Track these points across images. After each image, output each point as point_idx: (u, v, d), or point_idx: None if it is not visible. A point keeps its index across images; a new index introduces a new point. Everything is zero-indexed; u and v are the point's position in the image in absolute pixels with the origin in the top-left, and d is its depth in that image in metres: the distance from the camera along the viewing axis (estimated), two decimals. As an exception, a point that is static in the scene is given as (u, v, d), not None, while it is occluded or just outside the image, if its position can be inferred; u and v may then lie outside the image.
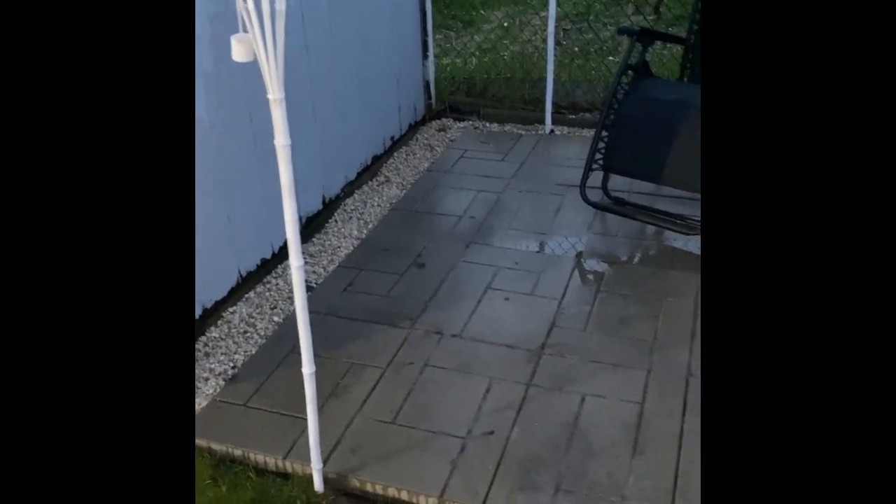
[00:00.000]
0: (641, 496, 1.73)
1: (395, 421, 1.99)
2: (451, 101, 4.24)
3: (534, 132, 3.97)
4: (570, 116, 4.01)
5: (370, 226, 3.07)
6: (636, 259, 2.76)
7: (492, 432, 1.94)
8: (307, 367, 1.68)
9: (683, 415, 1.97)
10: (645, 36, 2.97)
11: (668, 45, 4.19)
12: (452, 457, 1.87)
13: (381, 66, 3.54)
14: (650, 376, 2.12)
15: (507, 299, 2.53)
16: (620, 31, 3.08)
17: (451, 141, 3.91)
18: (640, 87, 2.90)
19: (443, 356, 2.25)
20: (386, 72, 3.62)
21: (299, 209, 2.88)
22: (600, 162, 2.92)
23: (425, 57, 4.03)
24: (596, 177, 3.02)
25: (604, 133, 2.89)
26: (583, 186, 2.96)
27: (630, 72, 2.91)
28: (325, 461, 1.85)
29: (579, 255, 2.79)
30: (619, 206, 3.01)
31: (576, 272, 2.68)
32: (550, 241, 2.90)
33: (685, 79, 3.16)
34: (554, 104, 3.96)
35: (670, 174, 2.73)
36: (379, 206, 3.26)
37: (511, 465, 1.84)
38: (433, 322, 2.40)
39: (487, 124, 4.11)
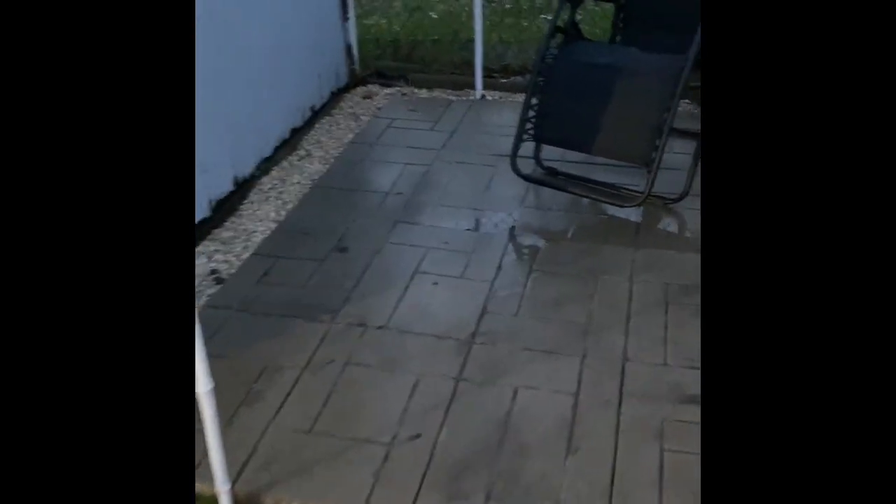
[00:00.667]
0: (577, 500, 1.63)
1: (313, 430, 1.83)
2: (376, 65, 3.99)
3: (464, 98, 3.78)
4: (502, 80, 3.83)
5: (289, 206, 2.85)
6: (570, 234, 2.64)
7: (418, 436, 1.81)
8: (203, 385, 1.49)
9: (620, 405, 1.87)
10: (573, -5, 2.79)
11: (599, 4, 4.02)
12: (375, 467, 1.73)
13: (296, 29, 3.27)
14: (585, 363, 2.01)
15: (435, 284, 2.37)
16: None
17: (378, 109, 3.69)
18: (569, 50, 2.73)
19: (366, 352, 2.08)
20: (302, 36, 3.35)
21: (206, 192, 2.69)
22: (531, 132, 2.77)
23: (345, 18, 3.76)
24: (529, 146, 2.87)
25: (533, 101, 2.73)
26: (513, 158, 2.81)
27: (559, 34, 2.74)
28: (235, 479, 1.68)
29: (512, 231, 2.65)
30: (551, 178, 2.87)
31: (508, 250, 2.54)
32: (482, 217, 2.74)
33: (617, 40, 3.02)
34: (485, 68, 3.77)
35: (603, 144, 2.59)
36: (299, 183, 3.03)
37: (439, 473, 1.71)
38: (356, 313, 2.23)
39: (416, 90, 3.90)
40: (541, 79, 2.71)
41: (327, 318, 2.21)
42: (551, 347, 2.07)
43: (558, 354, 2.05)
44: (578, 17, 2.83)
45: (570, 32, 2.80)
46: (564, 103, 2.67)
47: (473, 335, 2.13)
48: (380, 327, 2.17)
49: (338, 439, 1.80)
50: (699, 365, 1.98)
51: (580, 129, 2.63)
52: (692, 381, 1.93)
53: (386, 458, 1.75)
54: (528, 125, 2.76)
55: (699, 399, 1.87)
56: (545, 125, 2.73)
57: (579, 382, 1.95)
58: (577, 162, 2.91)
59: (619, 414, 1.84)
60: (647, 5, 3.00)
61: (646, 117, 2.50)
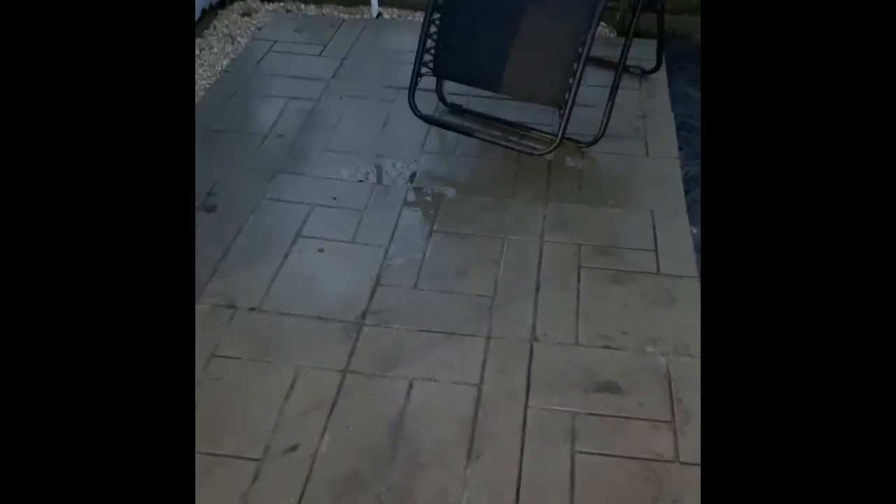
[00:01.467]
0: (478, 518, 1.43)
1: (168, 447, 1.53)
2: (255, -25, 3.44)
3: (358, 16, 3.33)
4: (401, -3, 3.38)
5: (147, 153, 2.41)
6: (475, 184, 2.35)
7: (295, 447, 1.54)
8: None
9: (527, 396, 1.66)
10: None
11: None
12: (243, 490, 1.46)
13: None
14: (489, 346, 1.78)
15: (321, 250, 2.06)
16: None
17: (258, 29, 3.19)
18: (474, -31, 2.35)
19: (235, 340, 1.77)
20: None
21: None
22: (430, 66, 2.41)
23: (214, -82, 3.17)
24: (430, 78, 2.51)
25: (432, 30, 2.36)
26: (411, 96, 2.46)
27: (462, -51, 2.34)
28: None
29: (411, 181, 2.34)
30: (454, 119, 2.55)
31: (406, 207, 2.23)
32: (377, 165, 2.41)
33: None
34: (381, -20, 3.31)
35: (510, 82, 2.28)
36: (161, 123, 2.57)
37: (319, 491, 1.47)
38: (225, 291, 1.90)
39: (303, 6, 3.41)
40: (440, 3, 2.34)
41: (190, 298, 1.87)
42: (452, 327, 1.83)
43: (460, 336, 1.81)
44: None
45: (475, -54, 2.41)
46: (467, 34, 2.31)
47: (364, 315, 1.85)
48: (252, 309, 1.86)
49: (200, 456, 1.51)
50: (613, 344, 1.79)
51: (485, 65, 2.29)
52: (605, 363, 1.74)
53: (256, 477, 1.48)
54: (427, 58, 2.40)
55: (613, 386, 1.69)
56: (445, 59, 2.38)
57: (483, 370, 1.72)
58: (483, 97, 2.60)
59: (525, 408, 1.64)
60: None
61: (559, 53, 2.20)
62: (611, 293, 1.94)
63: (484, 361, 1.74)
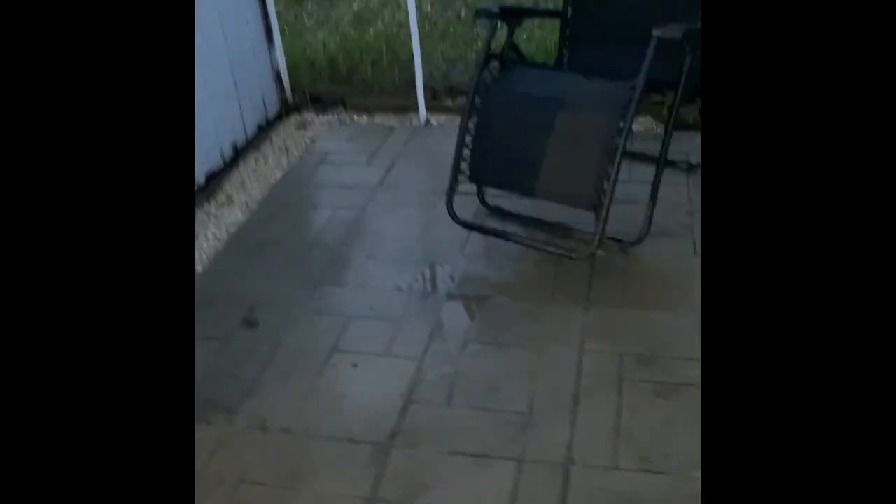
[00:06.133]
0: None
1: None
2: (311, 90, 3.64)
3: (407, 123, 3.44)
4: (448, 103, 3.49)
5: (198, 268, 2.51)
6: (514, 288, 2.31)
7: (314, 585, 1.49)
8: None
9: (560, 529, 1.55)
10: (509, 15, 2.45)
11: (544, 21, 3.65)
12: None
13: (208, 57, 2.91)
14: (521, 470, 1.69)
15: (355, 366, 2.05)
16: (478, 15, 2.56)
17: (312, 141, 3.35)
18: (506, 80, 2.39)
19: (265, 464, 1.76)
20: (217, 66, 3.00)
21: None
22: (466, 173, 2.44)
23: (270, 41, 3.40)
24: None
25: (467, 139, 2.40)
26: (449, 202, 2.48)
27: (494, 61, 2.40)
28: None
29: (448, 289, 2.32)
30: (494, 225, 2.55)
31: (442, 314, 2.21)
32: (415, 272, 2.42)
33: (565, 60, 2.69)
34: (429, 88, 3.43)
35: (545, 186, 2.26)
36: (215, 237, 2.69)
37: None
38: (258, 411, 1.91)
39: (356, 116, 3.56)
40: (474, 112, 2.38)
41: (223, 418, 1.89)
42: (483, 449, 1.75)
43: (490, 458, 1.73)
44: (514, 40, 2.49)
45: (509, 57, 2.46)
46: (501, 141, 2.33)
47: (393, 436, 1.81)
48: (284, 430, 1.85)
49: None
50: (654, 468, 1.67)
51: (519, 170, 2.29)
52: (646, 490, 1.62)
53: None
54: (464, 164, 2.44)
55: (654, 517, 1.56)
56: (481, 165, 2.40)
57: (513, 500, 1.63)
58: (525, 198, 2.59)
59: (558, 543, 1.53)
60: (595, 18, 2.68)
61: (591, 156, 2.18)
62: (653, 408, 1.83)
63: (515, 488, 1.65)
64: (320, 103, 3.60)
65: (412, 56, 3.34)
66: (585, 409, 1.84)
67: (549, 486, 1.65)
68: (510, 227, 2.52)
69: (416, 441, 1.79)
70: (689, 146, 2.83)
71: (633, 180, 2.63)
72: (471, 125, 2.39)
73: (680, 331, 2.06)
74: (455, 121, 3.41)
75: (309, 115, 3.56)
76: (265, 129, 3.39)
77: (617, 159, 2.15)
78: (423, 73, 3.34)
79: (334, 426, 1.84)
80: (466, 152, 2.42)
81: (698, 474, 1.64)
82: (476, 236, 2.54)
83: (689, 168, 2.80)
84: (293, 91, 3.57)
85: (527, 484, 1.66)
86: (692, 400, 1.83)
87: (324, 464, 1.75)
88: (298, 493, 1.68)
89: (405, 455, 1.76)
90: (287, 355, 2.09)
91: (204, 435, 1.83)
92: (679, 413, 1.80)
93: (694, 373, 1.91)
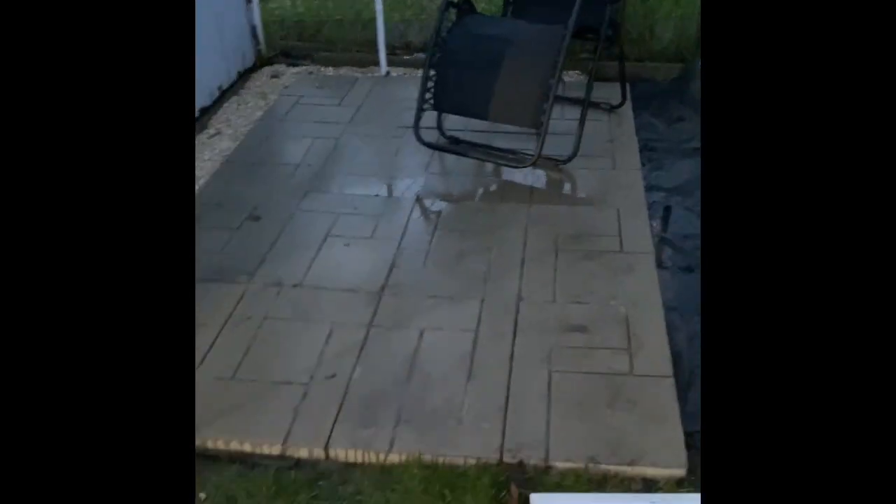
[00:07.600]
0: (476, 416, 1.85)
1: (235, 376, 1.97)
2: (282, 46, 4.08)
3: (370, 75, 3.92)
4: (405, 57, 3.99)
5: (201, 181, 2.94)
6: (470, 195, 2.85)
7: (334, 375, 1.98)
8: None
9: (514, 336, 2.10)
10: (465, -27, 2.99)
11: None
12: (295, 404, 1.89)
13: (200, 12, 3.31)
14: (483, 305, 2.23)
15: (347, 245, 2.54)
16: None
17: (285, 87, 3.79)
18: (463, 23, 2.93)
19: (283, 307, 2.23)
20: (206, 19, 3.40)
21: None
22: (431, 102, 2.95)
23: (248, 1, 3.82)
24: (432, 117, 3.05)
25: (431, 72, 2.91)
26: (416, 127, 2.99)
27: (452, 8, 2.93)
28: (162, 426, 1.80)
29: (418, 195, 2.84)
30: (452, 145, 3.08)
31: (414, 213, 2.72)
32: (389, 183, 2.92)
33: (508, 14, 3.25)
34: (388, 45, 3.92)
35: (496, 110, 2.81)
36: (210, 160, 3.12)
37: (353, 404, 1.89)
38: (272, 274, 2.37)
39: (322, 69, 4.02)
40: (437, 50, 2.90)
41: (244, 279, 2.34)
42: (453, 294, 2.28)
43: (460, 299, 2.26)
44: (471, -6, 3.02)
45: (463, 7, 3.00)
46: (459, 74, 2.86)
47: (383, 287, 2.31)
48: (295, 285, 2.32)
49: (258, 384, 1.95)
50: (582, 300, 2.24)
51: (475, 98, 2.83)
52: (576, 314, 2.18)
53: (304, 395, 1.91)
54: (428, 95, 2.95)
55: (582, 327, 2.12)
56: (443, 95, 2.92)
57: (479, 321, 2.16)
58: (477, 130, 3.13)
59: (513, 345, 2.07)
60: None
61: (533, 84, 2.74)
62: (582, 267, 2.40)
63: (479, 315, 2.19)
64: (291, 57, 4.04)
65: (373, 18, 3.83)
66: (530, 268, 2.40)
67: (505, 314, 2.19)
68: (464, 149, 3.05)
69: (401, 290, 2.30)
70: (609, 93, 3.44)
71: (565, 118, 3.21)
72: (433, 63, 2.91)
73: (601, 219, 2.65)
74: (412, 72, 3.93)
75: (281, 68, 4.00)
76: (243, 76, 3.80)
77: (554, 85, 2.72)
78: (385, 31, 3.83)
79: (335, 282, 2.33)
80: (430, 84, 2.93)
81: (615, 303, 2.21)
82: (436, 160, 3.06)
83: (610, 109, 3.41)
84: (267, 46, 3.99)
85: (488, 314, 2.20)
86: (611, 263, 2.41)
87: (330, 305, 2.23)
88: (315, 323, 2.16)
89: (394, 299, 2.26)
90: (290, 239, 2.56)
91: (229, 290, 2.29)
92: (600, 270, 2.38)
93: (611, 244, 2.50)
